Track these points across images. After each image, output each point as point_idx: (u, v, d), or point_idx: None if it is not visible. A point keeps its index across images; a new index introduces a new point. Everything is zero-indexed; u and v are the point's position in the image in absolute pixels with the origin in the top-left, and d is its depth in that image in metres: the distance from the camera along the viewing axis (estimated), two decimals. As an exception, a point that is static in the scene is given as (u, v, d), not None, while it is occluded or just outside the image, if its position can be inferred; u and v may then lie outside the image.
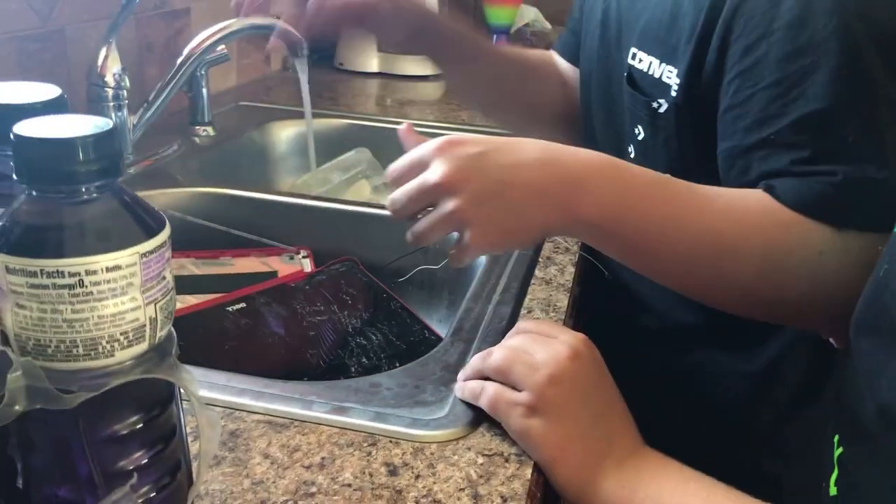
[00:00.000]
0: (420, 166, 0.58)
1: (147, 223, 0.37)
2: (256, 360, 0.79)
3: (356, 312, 0.87)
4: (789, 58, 0.58)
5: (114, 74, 0.96)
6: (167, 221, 0.38)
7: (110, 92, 0.96)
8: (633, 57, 0.73)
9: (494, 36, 1.75)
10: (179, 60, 0.99)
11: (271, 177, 1.25)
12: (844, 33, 0.57)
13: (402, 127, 0.66)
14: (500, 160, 0.57)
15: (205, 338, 0.79)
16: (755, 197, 0.59)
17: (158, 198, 0.95)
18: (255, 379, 0.58)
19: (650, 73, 0.70)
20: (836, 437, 0.49)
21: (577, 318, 0.73)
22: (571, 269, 0.79)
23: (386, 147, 1.25)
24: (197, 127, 1.18)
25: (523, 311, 0.71)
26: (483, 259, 0.83)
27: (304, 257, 0.95)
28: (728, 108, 0.61)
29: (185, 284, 0.89)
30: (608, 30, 0.82)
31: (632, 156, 0.76)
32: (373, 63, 1.68)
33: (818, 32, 0.57)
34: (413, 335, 0.86)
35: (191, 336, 0.78)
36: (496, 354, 0.55)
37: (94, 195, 0.35)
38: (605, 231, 0.59)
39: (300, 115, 1.30)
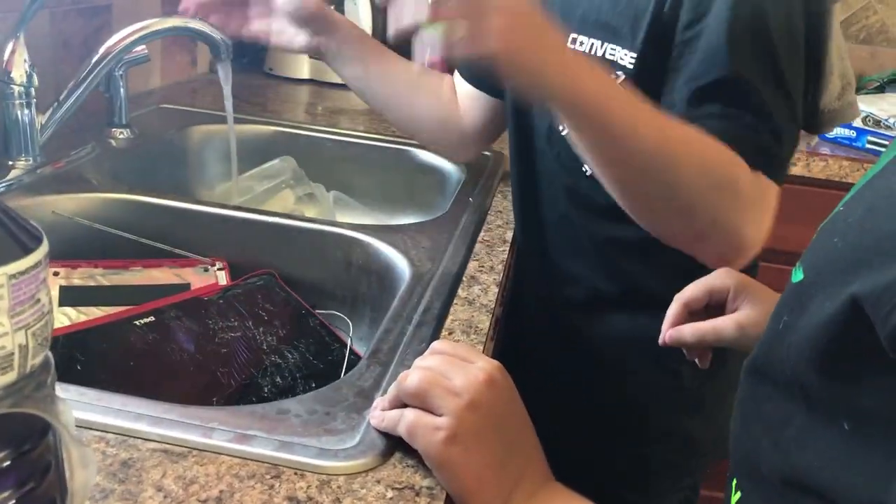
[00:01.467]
0: None
1: (18, 240, 0.33)
2: (164, 377, 0.75)
3: (272, 329, 0.84)
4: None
5: (21, 70, 0.91)
6: (44, 238, 0.35)
7: (17, 89, 0.91)
8: (574, 41, 0.82)
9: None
10: (94, 59, 0.95)
11: (191, 183, 1.20)
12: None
13: None
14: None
15: (110, 353, 0.74)
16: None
17: (66, 203, 0.90)
18: (153, 403, 0.54)
19: (593, 53, 0.80)
20: (735, 482, 0.49)
21: (497, 340, 0.71)
22: (495, 290, 0.77)
23: (312, 156, 1.22)
24: (114, 129, 1.12)
25: (444, 333, 0.69)
26: (406, 276, 0.81)
27: (219, 269, 0.91)
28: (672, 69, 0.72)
29: (91, 296, 0.84)
30: None
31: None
32: (303, 69, 1.64)
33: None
34: (332, 354, 0.83)
35: (95, 351, 0.73)
36: (413, 377, 0.53)
37: (-42, 209, 0.31)
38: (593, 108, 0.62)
39: (224, 120, 1.26)
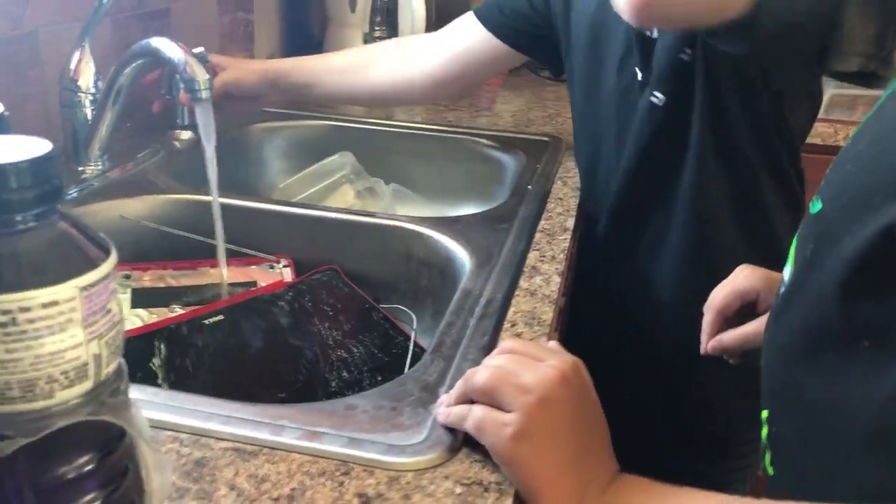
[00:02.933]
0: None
1: (90, 253, 0.34)
2: (234, 374, 0.76)
3: (338, 324, 0.85)
4: None
5: (88, 78, 0.94)
6: (113, 249, 0.36)
7: (84, 97, 0.94)
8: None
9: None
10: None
11: (253, 181, 1.22)
12: None
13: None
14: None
15: (181, 352, 0.76)
16: None
17: (134, 205, 0.93)
18: (223, 402, 0.56)
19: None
20: (765, 415, 0.51)
21: (563, 330, 0.70)
22: (557, 280, 0.77)
23: (370, 150, 1.23)
24: (176, 131, 1.15)
25: (506, 325, 0.68)
26: (467, 268, 0.81)
27: (284, 266, 0.92)
28: None
29: (161, 297, 0.86)
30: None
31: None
32: (359, 62, 1.65)
33: None
34: (396, 347, 0.83)
35: (166, 351, 0.75)
36: (481, 374, 0.53)
37: (31, 224, 0.32)
38: None
39: (285, 117, 1.28)
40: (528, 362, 0.53)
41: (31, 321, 0.31)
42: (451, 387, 0.59)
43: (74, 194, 0.91)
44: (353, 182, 1.13)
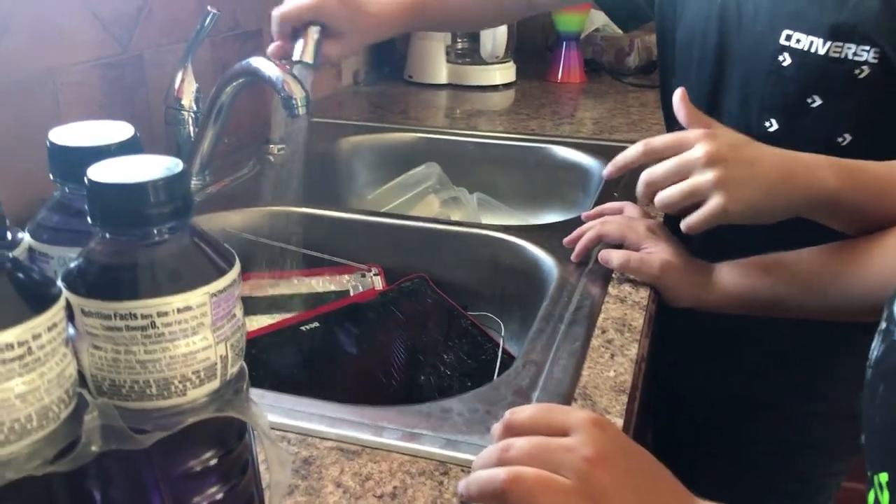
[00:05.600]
0: (680, 147, 0.68)
1: (217, 262, 0.37)
2: (331, 379, 0.79)
3: (427, 331, 0.87)
4: None
5: (190, 97, 0.99)
6: (236, 259, 0.38)
7: (187, 115, 0.99)
8: (788, 38, 0.76)
9: (564, 43, 1.73)
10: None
11: (343, 193, 1.26)
12: None
13: (677, 93, 0.73)
14: (752, 148, 0.68)
15: (280, 357, 0.80)
16: None
17: (234, 218, 0.97)
18: (326, 404, 0.58)
19: (812, 51, 0.74)
20: (885, 478, 0.46)
21: (652, 338, 0.71)
22: (646, 287, 0.77)
23: (454, 160, 1.25)
24: (271, 146, 1.20)
25: (597, 331, 0.69)
26: (554, 275, 0.82)
27: (375, 275, 0.95)
28: None
29: (260, 305, 0.90)
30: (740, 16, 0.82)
31: (771, 129, 0.79)
32: (441, 74, 1.68)
33: None
34: (485, 353, 0.85)
35: (267, 356, 0.79)
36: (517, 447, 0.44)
37: (166, 237, 0.35)
38: (840, 203, 0.67)
39: (371, 130, 1.32)
40: (552, 422, 0.46)
41: (168, 325, 0.34)
42: (543, 391, 0.60)
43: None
44: (439, 192, 1.16)
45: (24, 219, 0.87)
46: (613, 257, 0.79)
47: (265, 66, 0.86)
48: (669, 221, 0.82)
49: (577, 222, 0.94)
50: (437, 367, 0.82)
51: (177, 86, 0.98)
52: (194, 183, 1.01)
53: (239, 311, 0.38)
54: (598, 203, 1.03)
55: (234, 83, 0.91)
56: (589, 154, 1.22)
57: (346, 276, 0.95)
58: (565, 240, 0.86)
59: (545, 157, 1.26)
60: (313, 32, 0.90)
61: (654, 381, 1.01)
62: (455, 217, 1.17)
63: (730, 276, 0.76)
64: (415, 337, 0.86)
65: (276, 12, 0.91)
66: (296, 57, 0.90)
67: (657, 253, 0.77)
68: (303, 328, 0.85)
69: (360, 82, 1.70)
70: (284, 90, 0.83)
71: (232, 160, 1.11)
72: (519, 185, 1.26)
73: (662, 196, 0.68)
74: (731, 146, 0.66)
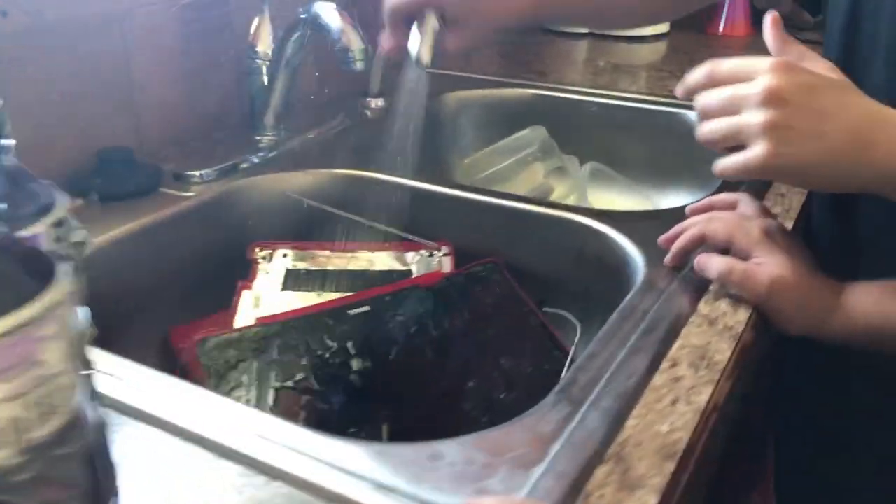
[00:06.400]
0: (744, 76, 0.55)
1: (14, 289, 0.27)
2: (363, 376, 0.69)
3: (490, 327, 0.75)
4: None
5: (266, 45, 0.91)
6: (60, 285, 0.29)
7: (261, 63, 0.91)
8: None
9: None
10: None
11: (442, 154, 1.15)
12: None
13: (767, 16, 0.62)
14: (831, 96, 0.54)
15: (315, 345, 0.71)
16: None
17: (301, 180, 0.89)
18: (295, 428, 0.48)
19: None
20: None
21: (738, 381, 0.55)
22: (748, 308, 0.61)
23: (573, 122, 1.11)
24: (368, 99, 1.10)
25: (664, 364, 0.55)
26: (639, 278, 0.67)
27: (444, 255, 0.84)
28: None
29: (313, 280, 0.82)
30: None
31: None
32: (583, 23, 1.51)
33: None
34: (550, 363, 0.72)
35: (298, 343, 0.70)
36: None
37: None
38: None
39: (481, 84, 1.19)
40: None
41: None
42: (567, 445, 0.47)
43: (245, 165, 0.89)
44: (542, 160, 1.02)
45: (87, 169, 0.83)
46: (713, 265, 0.63)
47: (326, 13, 0.75)
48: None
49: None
50: (489, 373, 0.70)
51: (252, 32, 0.90)
52: (269, 138, 0.93)
53: (53, 356, 0.28)
54: (728, 183, 0.86)
55: (298, 32, 0.81)
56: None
57: (412, 254, 0.84)
58: (661, 238, 0.70)
59: (679, 124, 1.08)
60: (431, 20, 0.72)
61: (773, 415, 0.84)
62: (559, 189, 1.03)
63: (860, 299, 0.58)
64: (474, 333, 0.74)
65: (388, 3, 0.73)
66: (412, 52, 0.72)
67: (768, 265, 0.61)
68: (350, 312, 0.76)
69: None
70: (341, 41, 0.72)
71: (323, 113, 1.03)
72: (644, 157, 1.10)
73: (703, 129, 0.58)
74: (802, 87, 0.53)
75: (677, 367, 0.54)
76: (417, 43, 0.69)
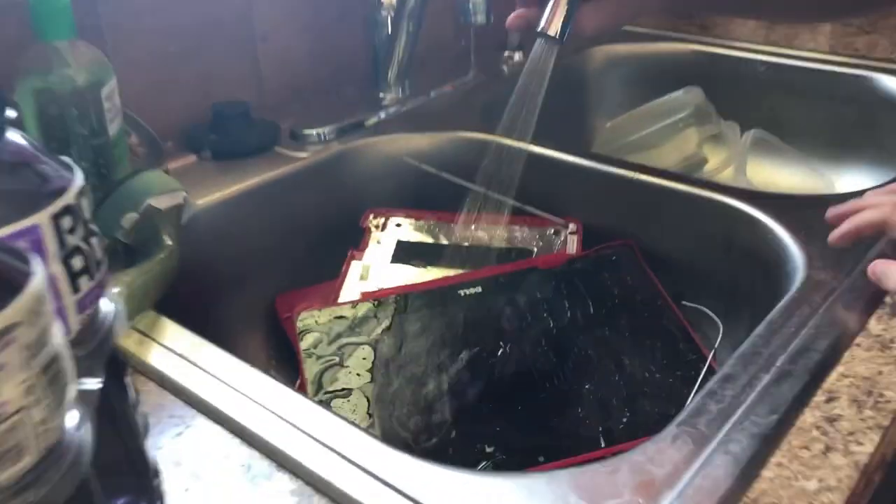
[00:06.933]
0: None
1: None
2: (473, 367, 0.63)
3: (617, 320, 0.66)
4: None
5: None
6: (27, 294, 0.23)
7: (386, 14, 0.84)
8: None
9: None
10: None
11: (585, 115, 1.05)
12: None
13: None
14: None
15: (419, 326, 0.65)
16: None
17: (421, 142, 0.82)
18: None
19: None
20: None
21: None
22: (936, 329, 0.49)
23: (739, 85, 0.97)
24: (505, 53, 1.02)
25: (817, 397, 0.44)
26: (798, 276, 0.56)
27: (571, 233, 0.75)
28: None
29: (427, 253, 0.75)
30: None
31: None
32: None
33: None
34: (683, 368, 0.62)
35: (403, 322, 0.65)
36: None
37: None
38: None
39: (633, 38, 1.07)
40: None
41: None
42: (683, 496, 0.38)
43: (367, 123, 0.83)
44: (698, 126, 0.90)
45: (203, 124, 0.80)
46: (891, 273, 0.51)
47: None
48: None
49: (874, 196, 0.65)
50: (611, 377, 0.62)
51: (376, -18, 0.84)
52: (392, 96, 0.87)
53: (12, 390, 0.23)
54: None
55: (423, -21, 0.74)
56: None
57: (536, 230, 0.76)
58: (830, 213, 0.59)
59: (864, 89, 0.93)
60: None
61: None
62: (716, 159, 0.91)
63: None
64: (597, 327, 0.66)
65: None
66: (541, 26, 0.64)
67: None
68: (461, 292, 0.69)
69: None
70: (463, -12, 0.64)
71: (452, 68, 0.95)
72: (820, 127, 0.95)
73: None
74: None
75: (835, 402, 0.44)
76: (550, 14, 0.60)
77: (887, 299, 0.52)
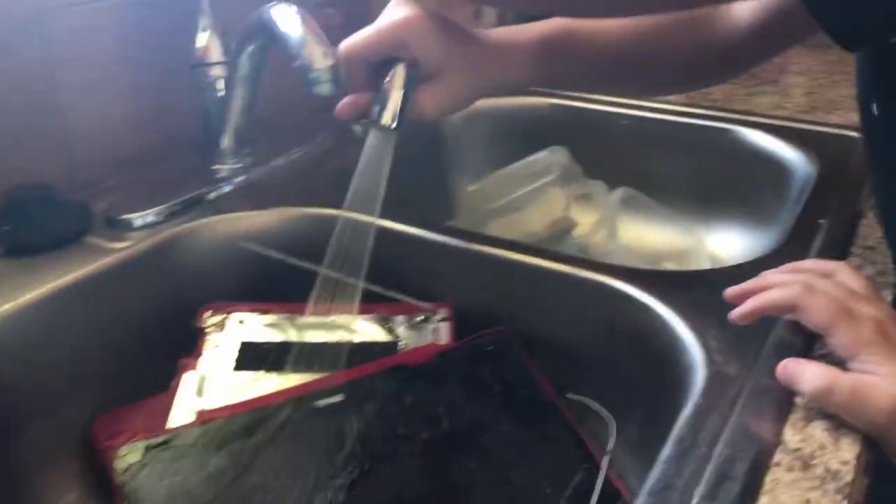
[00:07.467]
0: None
1: None
2: (336, 494, 0.53)
3: (496, 423, 0.58)
4: None
5: (217, 50, 0.74)
6: None
7: (215, 76, 0.74)
8: None
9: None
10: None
11: (446, 176, 0.98)
12: None
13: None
14: None
15: (274, 454, 0.54)
16: None
17: (265, 221, 0.72)
18: None
19: None
20: None
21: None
22: (853, 443, 0.43)
23: (600, 138, 0.93)
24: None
25: (747, 542, 0.37)
26: (698, 370, 0.50)
27: (441, 320, 0.67)
28: None
29: (275, 356, 0.65)
30: None
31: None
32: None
33: None
34: (575, 477, 0.55)
35: (258, 447, 0.54)
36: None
37: None
38: None
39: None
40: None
41: None
42: None
43: (195, 202, 0.72)
44: (564, 186, 0.84)
45: None
46: (807, 377, 0.45)
47: (285, 18, 0.58)
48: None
49: (758, 266, 0.61)
50: (495, 492, 0.53)
51: (199, 37, 0.73)
52: (228, 167, 0.77)
53: None
54: (799, 223, 0.69)
55: (254, 42, 0.64)
56: (792, 143, 0.86)
57: (401, 318, 0.67)
58: (729, 292, 0.53)
59: (726, 141, 0.91)
60: (400, 74, 0.56)
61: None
62: (584, 220, 0.86)
63: None
64: (477, 433, 0.57)
65: (343, 48, 0.58)
66: (373, 117, 0.57)
67: (888, 379, 0.43)
68: (317, 404, 0.59)
69: (508, 21, 1.38)
70: (301, 57, 0.55)
71: (296, 132, 0.86)
72: (685, 180, 0.92)
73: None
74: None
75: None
76: (383, 100, 0.54)
77: (798, 400, 0.46)
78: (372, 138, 0.55)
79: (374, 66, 0.57)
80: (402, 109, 0.55)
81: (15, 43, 0.67)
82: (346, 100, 0.59)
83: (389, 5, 0.59)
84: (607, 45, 0.67)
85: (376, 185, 0.55)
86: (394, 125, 0.55)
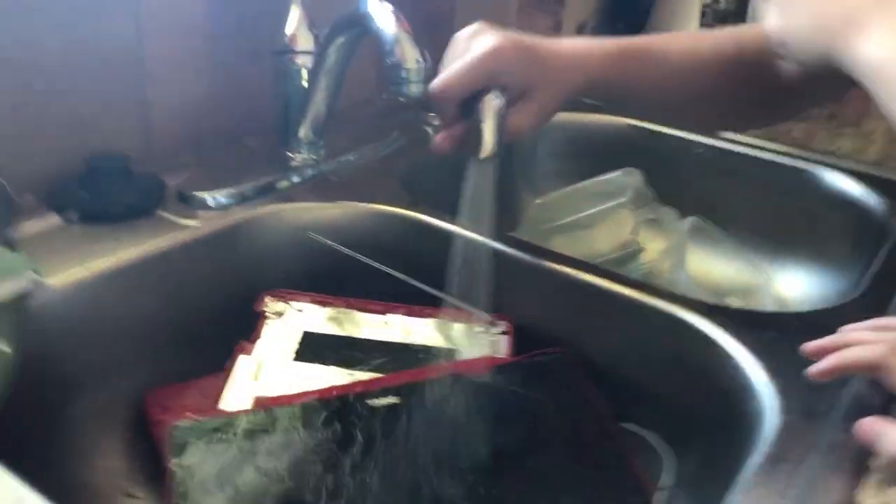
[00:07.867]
0: None
1: None
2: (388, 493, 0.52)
3: (546, 443, 0.57)
4: None
5: (307, 38, 0.74)
6: None
7: (300, 61, 0.74)
8: None
9: None
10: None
11: (514, 189, 0.97)
12: None
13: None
14: None
15: (324, 443, 0.54)
16: None
17: (331, 214, 0.72)
18: None
19: None
20: None
21: None
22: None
23: (673, 166, 0.91)
24: (432, 113, 0.92)
25: None
26: (773, 416, 0.48)
27: (501, 333, 0.66)
28: None
29: (333, 350, 0.64)
30: None
31: None
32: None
33: None
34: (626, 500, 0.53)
35: (307, 439, 0.54)
36: None
37: None
38: None
39: (576, 107, 1.00)
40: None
41: None
42: None
43: (269, 189, 0.72)
44: (634, 210, 0.83)
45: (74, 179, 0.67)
46: (885, 438, 0.43)
47: (381, 14, 0.58)
48: None
49: (834, 314, 0.59)
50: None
51: (288, 22, 0.73)
52: (303, 156, 0.77)
53: None
54: (879, 275, 0.67)
55: (346, 34, 0.64)
56: (873, 188, 0.83)
57: (461, 326, 0.66)
58: (808, 347, 0.51)
59: (804, 180, 0.88)
60: (492, 102, 0.56)
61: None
62: (653, 245, 0.84)
63: None
64: (526, 454, 0.56)
65: (437, 86, 0.57)
66: (471, 147, 0.58)
67: None
68: (371, 402, 0.59)
69: (587, 34, 1.37)
70: (393, 55, 0.55)
71: (372, 127, 0.86)
72: (758, 216, 0.90)
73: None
74: None
75: None
76: (478, 132, 0.54)
77: (874, 462, 0.44)
78: (474, 170, 0.56)
79: (467, 102, 0.58)
80: (498, 138, 0.56)
81: (106, 16, 0.68)
82: (441, 134, 0.60)
83: (470, 34, 0.59)
84: (680, 70, 0.66)
85: (486, 210, 0.57)
86: (492, 150, 0.56)
